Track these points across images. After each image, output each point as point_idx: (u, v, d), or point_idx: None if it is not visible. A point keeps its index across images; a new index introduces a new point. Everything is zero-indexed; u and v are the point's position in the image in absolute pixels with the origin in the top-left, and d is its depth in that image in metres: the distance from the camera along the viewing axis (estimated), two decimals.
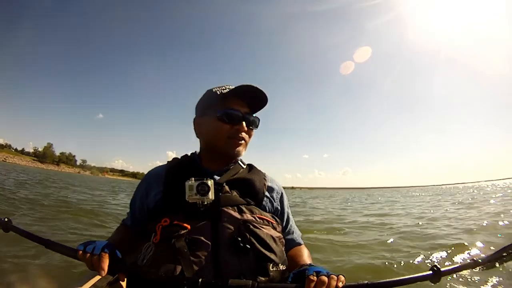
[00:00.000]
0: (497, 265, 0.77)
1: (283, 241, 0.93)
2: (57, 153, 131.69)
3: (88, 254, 0.78)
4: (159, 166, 1.06)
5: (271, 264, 0.82)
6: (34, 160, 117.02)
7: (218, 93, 0.97)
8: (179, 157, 1.08)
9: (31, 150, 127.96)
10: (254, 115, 1.02)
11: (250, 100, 0.98)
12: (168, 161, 1.07)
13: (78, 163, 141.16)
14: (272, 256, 0.83)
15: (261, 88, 0.95)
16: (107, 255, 0.77)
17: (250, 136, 1.01)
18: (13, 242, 3.10)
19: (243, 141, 0.98)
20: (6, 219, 0.89)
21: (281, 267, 0.85)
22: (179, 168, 0.99)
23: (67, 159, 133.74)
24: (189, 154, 1.09)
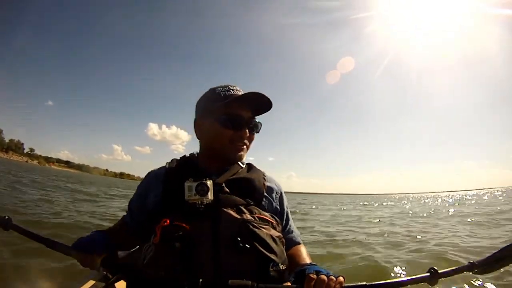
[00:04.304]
0: (495, 269, 0.76)
1: (283, 241, 0.91)
2: (7, 140, 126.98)
3: (81, 253, 0.83)
4: (159, 168, 1.04)
5: (271, 264, 0.80)
6: None
7: (222, 95, 0.95)
8: (178, 158, 1.05)
9: None
10: (256, 118, 1.01)
11: (255, 105, 0.97)
12: (167, 162, 1.03)
13: (25, 151, 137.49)
14: (273, 256, 0.82)
15: (266, 96, 0.94)
16: (96, 256, 0.82)
17: (251, 141, 1.01)
18: (13, 243, 3.16)
19: (244, 147, 0.98)
20: (6, 217, 0.89)
21: (281, 267, 0.83)
22: (178, 169, 0.98)
23: (16, 147, 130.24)
24: (187, 155, 1.06)
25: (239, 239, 0.80)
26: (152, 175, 1.03)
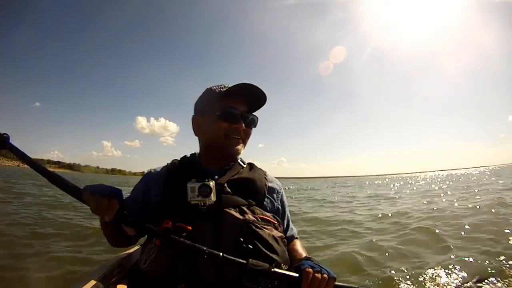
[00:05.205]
0: None
1: (285, 241, 0.92)
2: None
3: (97, 196, 0.74)
4: (160, 167, 1.02)
5: (274, 265, 0.80)
6: None
7: (217, 91, 0.96)
8: (179, 158, 1.04)
9: None
10: (254, 113, 1.00)
11: (249, 98, 0.97)
12: (168, 162, 1.03)
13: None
14: (275, 256, 0.82)
15: (259, 87, 0.94)
16: (116, 201, 0.75)
17: (248, 135, 1.00)
18: (12, 242, 3.17)
19: (240, 140, 0.98)
20: (5, 134, 0.80)
21: (283, 267, 0.83)
22: (179, 169, 0.98)
23: (6, 152, 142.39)
24: (188, 155, 1.05)
25: (241, 239, 0.81)
26: (152, 175, 1.01)
